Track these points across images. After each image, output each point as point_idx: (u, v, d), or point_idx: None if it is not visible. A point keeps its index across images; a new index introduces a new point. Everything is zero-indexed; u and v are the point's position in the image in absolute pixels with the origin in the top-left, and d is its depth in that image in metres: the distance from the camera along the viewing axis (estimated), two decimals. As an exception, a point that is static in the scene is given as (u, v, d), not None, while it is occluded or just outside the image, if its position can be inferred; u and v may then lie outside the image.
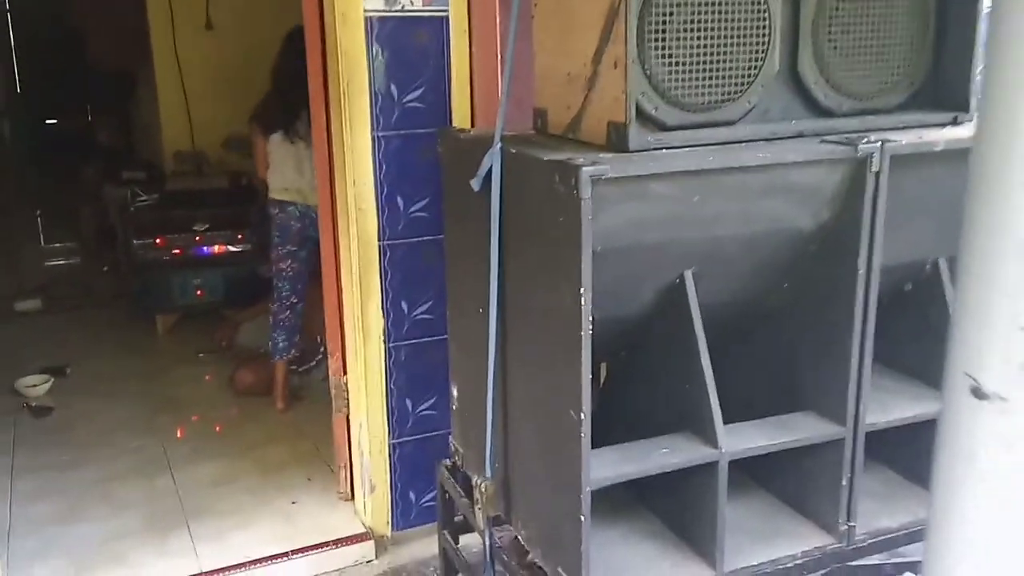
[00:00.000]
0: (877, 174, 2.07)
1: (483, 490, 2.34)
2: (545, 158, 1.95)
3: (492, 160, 2.14)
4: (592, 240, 1.84)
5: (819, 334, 2.21)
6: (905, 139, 2.11)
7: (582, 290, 1.84)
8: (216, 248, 4.83)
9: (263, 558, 2.90)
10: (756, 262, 2.19)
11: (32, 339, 4.85)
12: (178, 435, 3.75)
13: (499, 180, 2.14)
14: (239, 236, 4.87)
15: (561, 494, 2.04)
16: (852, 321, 2.12)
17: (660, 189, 1.97)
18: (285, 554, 2.93)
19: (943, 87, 2.35)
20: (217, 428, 3.79)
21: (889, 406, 2.31)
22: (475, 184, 2.20)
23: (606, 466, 2.02)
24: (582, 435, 1.91)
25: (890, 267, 2.28)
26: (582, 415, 1.90)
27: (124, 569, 2.85)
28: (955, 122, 2.32)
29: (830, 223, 2.14)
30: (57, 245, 6.62)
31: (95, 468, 3.47)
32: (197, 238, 4.82)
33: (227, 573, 2.84)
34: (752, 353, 2.34)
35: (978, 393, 0.90)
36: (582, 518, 1.96)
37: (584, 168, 1.79)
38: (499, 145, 2.13)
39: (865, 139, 2.08)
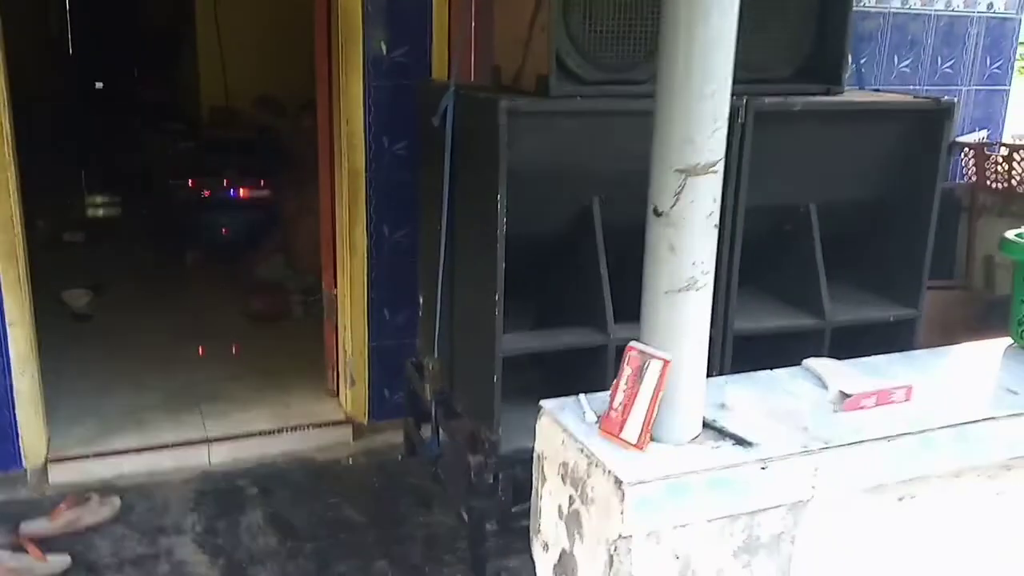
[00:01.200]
0: (742, 125, 2.63)
1: (430, 368, 2.93)
2: (481, 97, 2.53)
3: (446, 100, 2.71)
4: (509, 160, 2.41)
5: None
6: (770, 99, 2.66)
7: (499, 196, 2.41)
8: (241, 192, 5.45)
9: (259, 432, 3.52)
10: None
11: (76, 263, 5.50)
12: (196, 343, 4.36)
13: (451, 116, 2.71)
14: (262, 182, 5.49)
15: (483, 365, 2.61)
16: (722, 247, 2.67)
17: (569, 125, 2.55)
18: (278, 430, 3.54)
19: (822, 65, 2.89)
20: (232, 344, 4.39)
21: (759, 318, 2.87)
22: (435, 120, 2.77)
23: (518, 341, 2.60)
24: (496, 313, 2.49)
25: (767, 207, 2.84)
26: (496, 296, 2.48)
27: (142, 432, 3.48)
28: (828, 92, 2.86)
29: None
30: (100, 197, 7.24)
31: (124, 362, 4.10)
32: (225, 182, 5.45)
33: (228, 441, 3.46)
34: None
35: (656, 212, 1.47)
36: (495, 379, 2.54)
37: (501, 103, 2.36)
38: (452, 88, 2.71)
39: (735, 97, 2.62)
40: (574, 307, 2.75)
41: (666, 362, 1.52)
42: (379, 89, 3.31)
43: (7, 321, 3.06)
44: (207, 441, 3.44)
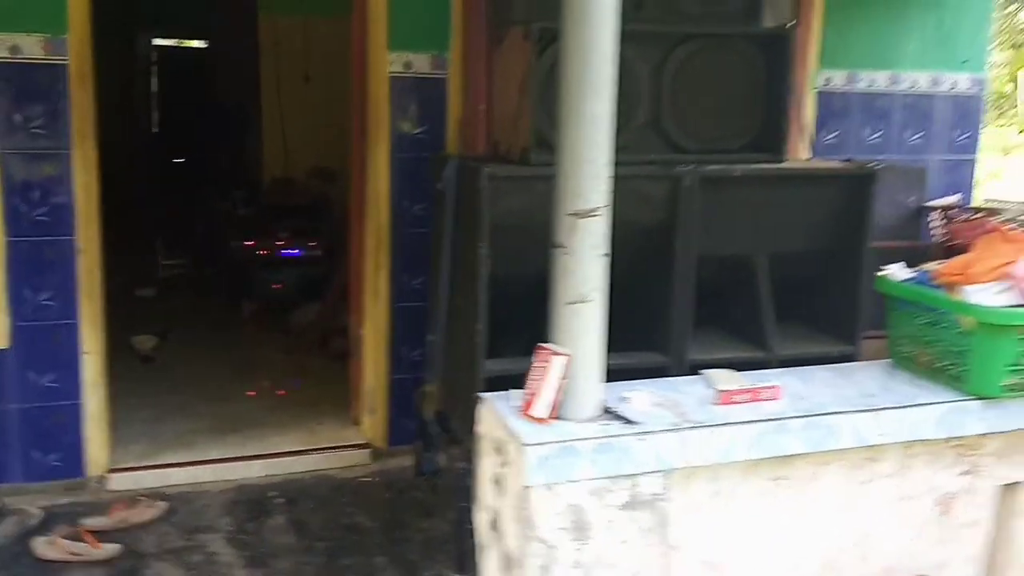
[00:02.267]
0: (688, 188, 3.12)
1: (429, 392, 3.44)
2: (472, 165, 3.09)
3: (449, 168, 3.28)
4: (491, 216, 2.95)
5: (659, 296, 3.23)
6: (713, 167, 3.16)
7: (481, 245, 2.94)
8: (293, 251, 6.11)
9: (289, 452, 4.05)
10: (617, 245, 3.24)
11: (146, 314, 6.18)
12: (244, 380, 4.94)
13: (454, 181, 3.27)
14: (312, 243, 6.14)
15: (471, 386, 3.11)
16: (672, 289, 3.15)
17: (545, 186, 3.08)
18: (306, 451, 4.07)
19: (767, 137, 3.38)
20: (275, 380, 4.96)
21: (712, 351, 3.31)
22: (439, 185, 3.34)
23: (499, 364, 3.09)
24: (478, 341, 3.00)
25: (718, 257, 3.31)
26: (478, 326, 2.99)
27: (190, 451, 4.05)
28: (772, 161, 3.35)
29: (664, 221, 3.19)
30: (172, 257, 8.01)
31: (180, 395, 4.70)
32: (280, 242, 6.11)
33: (262, 459, 4.00)
34: (617, 305, 3.37)
35: (557, 245, 1.98)
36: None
37: (484, 169, 2.91)
38: (453, 159, 3.28)
39: (683, 166, 3.14)
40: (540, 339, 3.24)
41: (567, 357, 2.01)
42: (402, 160, 3.90)
43: (82, 350, 3.67)
44: (244, 458, 3.99)
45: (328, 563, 3.31)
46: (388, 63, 3.76)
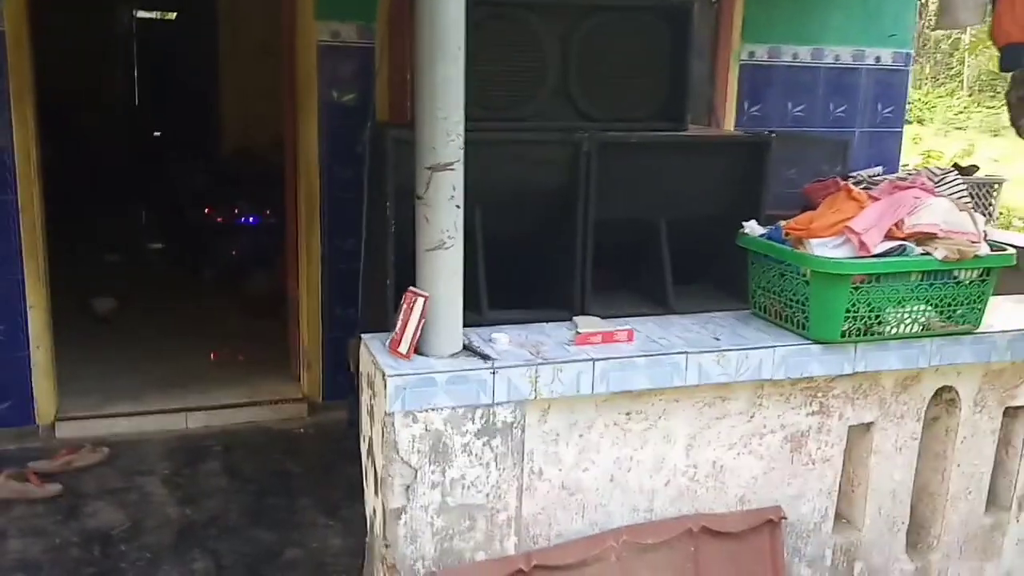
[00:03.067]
0: (587, 154, 3.32)
1: (354, 345, 3.65)
2: (381, 128, 3.29)
3: (365, 133, 3.49)
4: (396, 179, 3.14)
5: (563, 256, 3.44)
6: (611, 134, 3.37)
7: (388, 206, 3.15)
8: (248, 218, 6.30)
9: (230, 405, 4.29)
10: (522, 206, 3.45)
11: (111, 278, 6.38)
12: (193, 340, 5.16)
13: (369, 146, 3.47)
14: (267, 211, 6.33)
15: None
16: (575, 250, 3.35)
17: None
18: (246, 404, 4.31)
19: (671, 107, 3.58)
20: (223, 340, 5.18)
21: (613, 307, 3.53)
22: (358, 148, 3.54)
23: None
24: (388, 295, 3.21)
25: (622, 220, 3.51)
26: (388, 282, 3.20)
27: (135, 403, 4.28)
28: (675, 129, 3.55)
29: (565, 185, 3.39)
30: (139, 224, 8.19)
31: (131, 353, 4.92)
32: (235, 210, 6.31)
33: (204, 411, 4.24)
34: (523, 264, 3.59)
35: (417, 196, 2.19)
36: (385, 346, 3.25)
37: (390, 132, 3.11)
38: (370, 123, 3.48)
39: (583, 132, 3.34)
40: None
41: (426, 298, 2.23)
42: (332, 128, 4.11)
43: (28, 304, 3.89)
44: (187, 410, 4.22)
45: (254, 502, 3.55)
46: (316, 32, 3.96)
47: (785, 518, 2.67)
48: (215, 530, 3.35)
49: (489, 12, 3.34)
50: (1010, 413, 2.95)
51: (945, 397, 2.85)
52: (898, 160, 5.20)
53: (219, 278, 6.36)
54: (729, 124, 4.81)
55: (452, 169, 2.19)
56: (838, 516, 2.86)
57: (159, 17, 11.01)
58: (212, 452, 3.96)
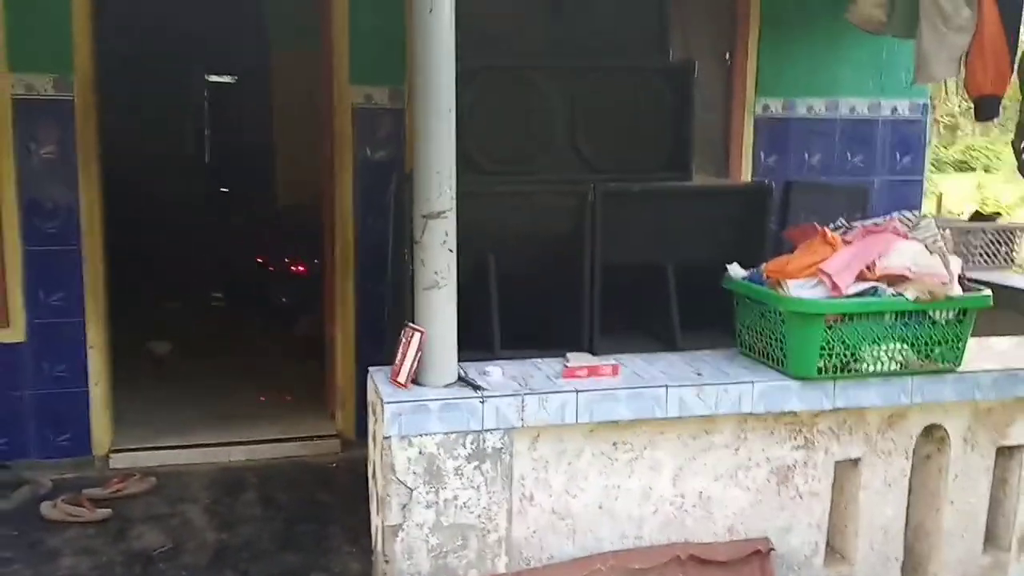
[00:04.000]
0: (592, 203, 3.54)
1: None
2: (403, 177, 3.57)
3: (393, 183, 3.78)
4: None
5: (572, 299, 3.65)
6: (614, 184, 3.59)
7: (405, 250, 3.40)
8: (298, 268, 6.66)
9: (270, 439, 4.57)
10: (533, 252, 3.68)
11: (170, 322, 6.79)
12: (241, 379, 5.48)
13: (395, 192, 3.76)
14: (315, 260, 6.69)
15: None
16: (582, 292, 3.56)
17: (469, 200, 3.54)
18: (285, 439, 4.58)
19: (676, 159, 3.80)
20: (269, 379, 5.49)
21: (617, 346, 3.71)
22: (387, 197, 3.83)
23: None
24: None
25: (628, 264, 3.70)
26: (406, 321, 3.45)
27: (183, 437, 4.58)
28: (680, 179, 3.77)
29: (573, 232, 3.61)
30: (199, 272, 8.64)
31: (182, 391, 5.25)
32: (286, 260, 6.68)
33: (245, 445, 4.52)
34: (534, 306, 3.79)
35: (414, 240, 2.44)
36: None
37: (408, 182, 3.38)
38: (395, 175, 3.77)
39: (591, 185, 3.56)
40: (473, 334, 3.69)
41: (422, 332, 2.47)
42: (365, 182, 4.41)
43: (88, 344, 4.24)
44: (229, 444, 4.51)
45: (285, 529, 3.79)
46: (351, 95, 4.30)
47: (773, 549, 2.80)
48: (247, 553, 3.59)
49: (500, 74, 3.63)
50: (1004, 452, 3.05)
51: (936, 435, 2.97)
52: (919, 208, 5.29)
53: (269, 323, 6.71)
54: (745, 174, 4.98)
55: (445, 217, 2.44)
56: (831, 550, 2.98)
57: (226, 81, 11.65)
58: (250, 483, 4.22)
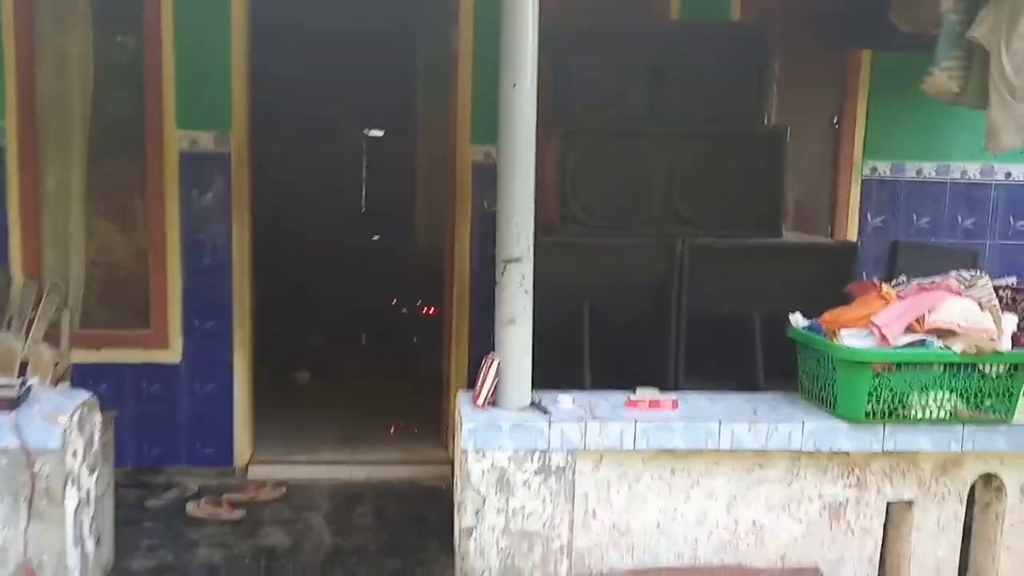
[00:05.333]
0: (681, 255, 3.84)
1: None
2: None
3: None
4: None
5: (659, 342, 3.94)
6: (703, 239, 3.87)
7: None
8: (429, 310, 7.21)
9: (388, 461, 5.04)
10: (626, 304, 4.00)
11: (314, 358, 7.45)
12: (371, 408, 6.00)
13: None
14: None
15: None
16: (669, 336, 3.86)
17: (568, 252, 3.91)
18: (401, 462, 5.04)
19: (767, 217, 4.06)
20: (395, 409, 5.99)
21: (705, 388, 3.95)
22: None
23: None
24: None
25: (717, 314, 3.96)
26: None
27: (313, 455, 5.11)
28: (770, 236, 4.01)
29: (663, 282, 3.92)
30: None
31: (317, 416, 5.81)
32: (418, 302, 7.24)
33: (366, 465, 5.00)
34: (625, 350, 4.09)
35: (495, 282, 2.83)
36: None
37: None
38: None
39: (680, 239, 3.87)
40: (568, 372, 4.03)
41: (498, 361, 2.84)
42: (482, 231, 4.86)
43: (235, 368, 4.85)
44: (352, 463, 5.01)
45: (392, 539, 4.22)
46: (471, 153, 4.78)
47: (823, 580, 2.98)
48: (356, 557, 4.03)
49: (603, 137, 4.03)
50: (1065, 507, 3.10)
51: (993, 484, 3.07)
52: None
53: (401, 360, 7.27)
54: (852, 235, 5.12)
55: (520, 261, 2.82)
56: (885, 587, 3.11)
57: (377, 136, 12.56)
58: (367, 498, 4.69)
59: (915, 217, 5.17)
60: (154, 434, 4.82)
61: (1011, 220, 5.21)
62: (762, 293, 4.00)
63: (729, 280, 3.99)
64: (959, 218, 5.19)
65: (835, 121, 5.18)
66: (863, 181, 5.15)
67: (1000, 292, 4.98)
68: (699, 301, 3.94)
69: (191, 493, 4.65)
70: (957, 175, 5.16)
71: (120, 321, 4.82)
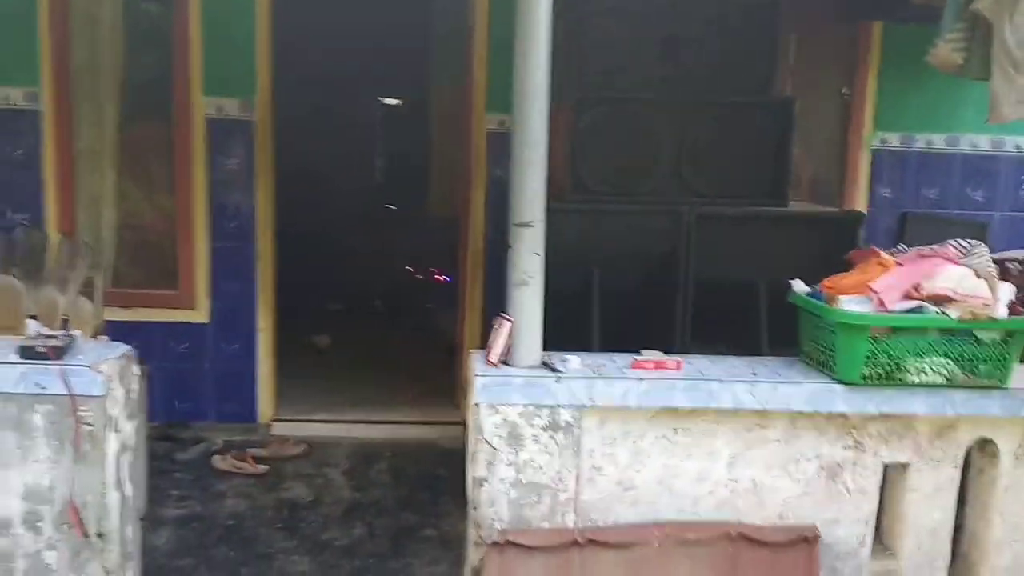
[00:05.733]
0: (688, 223, 3.96)
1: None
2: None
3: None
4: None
5: (666, 308, 4.07)
6: (708, 207, 3.98)
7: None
8: (444, 276, 7.35)
9: (405, 421, 5.23)
10: (634, 270, 4.13)
11: (332, 321, 7.62)
12: (389, 371, 6.18)
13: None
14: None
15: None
16: (676, 302, 3.99)
17: (577, 218, 4.04)
18: (417, 423, 5.21)
19: (774, 187, 4.17)
20: (413, 371, 6.16)
21: (710, 352, 4.08)
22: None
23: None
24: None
25: (723, 280, 4.07)
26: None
27: (333, 414, 5.29)
28: (776, 206, 4.12)
29: (670, 250, 4.04)
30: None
31: (338, 377, 6.00)
32: (431, 269, 7.38)
33: (384, 424, 5.20)
34: (632, 315, 4.21)
35: (507, 245, 2.96)
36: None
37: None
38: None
39: (688, 206, 3.99)
40: (578, 334, 4.16)
41: (512, 321, 2.98)
42: (495, 198, 4.98)
43: (258, 328, 5.02)
44: (370, 423, 5.19)
45: (407, 494, 4.41)
46: (486, 121, 4.89)
47: (819, 537, 3.11)
48: (374, 510, 4.22)
49: (613, 105, 4.13)
50: (1057, 470, 3.22)
51: (988, 449, 3.19)
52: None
53: (417, 325, 7.43)
54: (862, 206, 5.21)
55: (532, 226, 2.95)
56: (880, 545, 3.24)
57: (394, 104, 12.63)
58: (384, 456, 4.86)
59: (924, 189, 5.25)
60: (182, 391, 5.02)
61: (1021, 192, 5.28)
62: (768, 261, 4.12)
63: (735, 248, 4.12)
64: (968, 190, 5.26)
65: (845, 93, 5.25)
66: (873, 153, 5.23)
67: (1008, 264, 5.10)
68: (706, 268, 4.07)
69: (217, 447, 4.86)
70: (967, 147, 5.22)
71: (150, 281, 5.00)
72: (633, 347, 3.71)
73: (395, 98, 10.26)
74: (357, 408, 5.44)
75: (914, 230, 5.24)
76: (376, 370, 6.27)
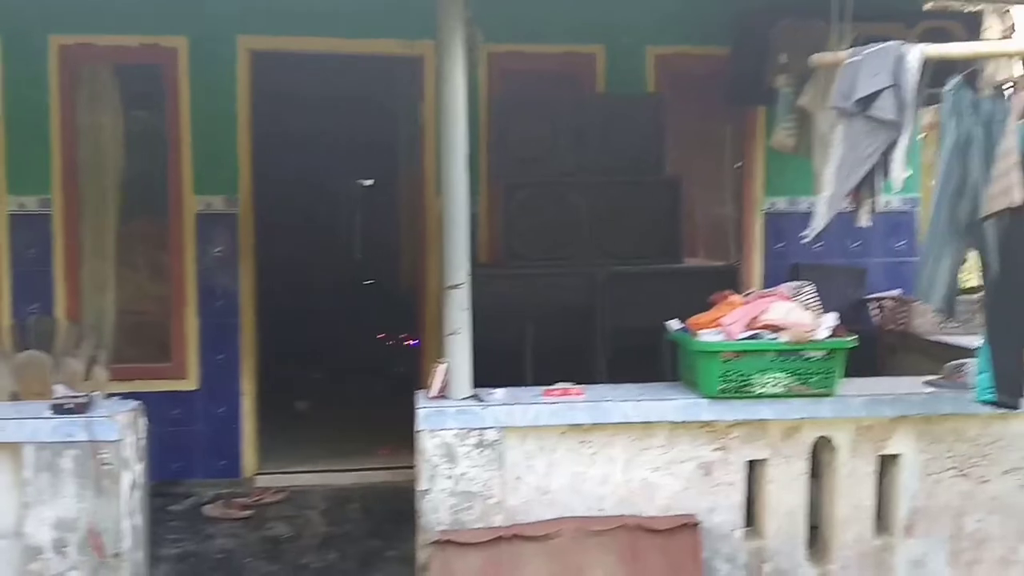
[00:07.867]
0: (601, 282, 4.82)
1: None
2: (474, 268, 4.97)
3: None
4: (476, 299, 4.78)
5: (587, 351, 4.90)
6: (619, 267, 4.84)
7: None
8: (413, 342, 8.13)
9: (374, 468, 5.98)
10: (560, 321, 4.97)
11: (313, 386, 8.35)
12: (365, 427, 6.91)
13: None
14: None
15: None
16: (596, 347, 4.82)
17: (511, 282, 4.88)
18: (384, 468, 5.96)
19: (670, 248, 5.05)
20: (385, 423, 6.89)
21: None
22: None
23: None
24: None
25: (634, 327, 4.91)
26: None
27: (310, 465, 6.03)
28: (672, 263, 4.99)
29: (590, 303, 4.89)
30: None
31: (313, 433, 6.74)
32: (400, 335, 8.18)
33: (356, 471, 5.93)
34: (559, 359, 5.02)
35: (441, 305, 3.78)
36: (459, 413, 4.81)
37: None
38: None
39: (601, 267, 4.85)
40: (513, 378, 4.94)
41: (446, 364, 3.79)
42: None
43: (242, 393, 5.78)
44: (343, 471, 5.93)
45: (375, 527, 5.15)
46: (437, 206, 5.76)
47: (700, 523, 3.88)
48: (345, 540, 4.95)
49: (537, 188, 5.03)
50: (888, 460, 4.02)
51: (829, 445, 3.99)
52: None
53: (389, 387, 8.18)
54: (757, 259, 6.10)
55: (460, 288, 3.78)
56: (751, 529, 4.01)
57: (368, 185, 13.52)
58: (356, 498, 5.60)
59: (812, 243, 6.13)
60: (175, 451, 5.73)
61: (891, 242, 6.20)
62: (667, 307, 4.93)
63: (641, 299, 4.98)
64: (848, 242, 6.17)
65: (738, 165, 6.19)
66: (765, 214, 6.15)
67: (884, 303, 5.98)
68: (618, 317, 4.94)
69: (206, 499, 5.57)
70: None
71: (146, 356, 5.77)
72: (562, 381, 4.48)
73: (370, 179, 11.22)
74: (331, 459, 6.18)
75: (805, 277, 6.10)
76: (348, 427, 7.01)
